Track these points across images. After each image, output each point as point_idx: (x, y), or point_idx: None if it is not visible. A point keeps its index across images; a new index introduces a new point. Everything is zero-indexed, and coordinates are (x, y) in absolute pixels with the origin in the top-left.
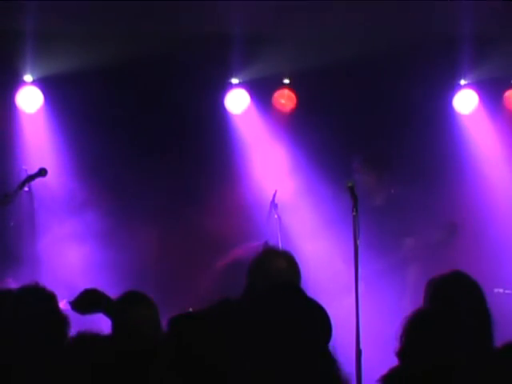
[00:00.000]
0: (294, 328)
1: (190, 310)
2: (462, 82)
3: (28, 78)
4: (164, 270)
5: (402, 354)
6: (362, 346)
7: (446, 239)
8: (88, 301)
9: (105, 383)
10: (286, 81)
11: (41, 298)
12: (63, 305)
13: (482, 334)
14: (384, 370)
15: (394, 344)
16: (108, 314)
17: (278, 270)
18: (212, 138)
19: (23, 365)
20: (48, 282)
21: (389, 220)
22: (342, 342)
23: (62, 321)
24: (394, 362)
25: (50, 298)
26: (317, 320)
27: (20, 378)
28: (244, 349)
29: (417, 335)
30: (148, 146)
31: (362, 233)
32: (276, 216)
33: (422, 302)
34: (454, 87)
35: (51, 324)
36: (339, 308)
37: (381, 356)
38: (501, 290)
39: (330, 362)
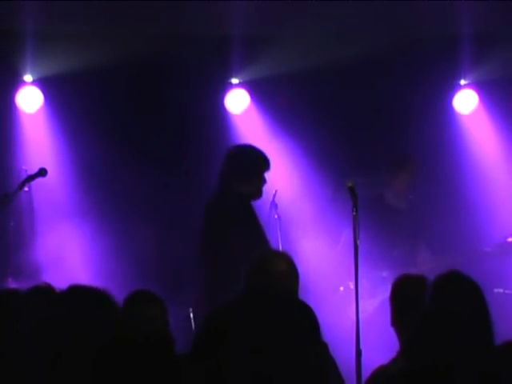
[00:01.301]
0: (286, 331)
1: (190, 309)
2: (462, 82)
3: (28, 77)
4: (167, 269)
5: (405, 352)
6: (362, 346)
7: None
8: None
9: (107, 379)
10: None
11: (51, 299)
12: None
13: (483, 334)
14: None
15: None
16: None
17: (277, 272)
18: (212, 138)
19: (31, 366)
20: (48, 281)
21: (414, 223)
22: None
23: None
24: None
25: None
26: (305, 321)
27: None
28: (241, 350)
29: (419, 334)
30: (148, 146)
31: (386, 235)
32: (276, 216)
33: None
34: (454, 87)
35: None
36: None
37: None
38: (501, 290)
39: (325, 361)
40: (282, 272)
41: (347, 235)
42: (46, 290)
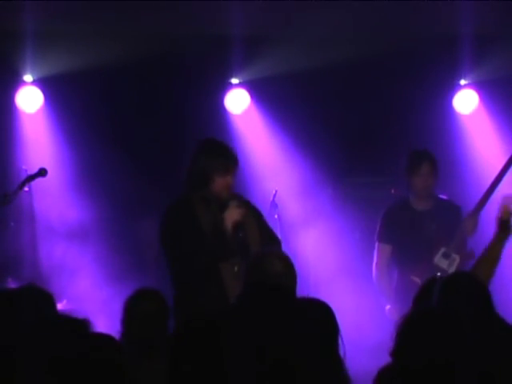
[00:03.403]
0: (293, 329)
1: None
2: (462, 82)
3: (28, 77)
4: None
5: (396, 353)
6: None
7: None
8: None
9: (108, 378)
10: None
11: (37, 298)
12: (63, 305)
13: (485, 336)
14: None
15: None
16: None
17: (274, 273)
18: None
19: (23, 364)
20: (48, 281)
21: (440, 223)
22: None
23: (60, 320)
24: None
25: (47, 298)
26: (321, 321)
27: (21, 376)
28: (245, 351)
29: (410, 334)
30: (148, 146)
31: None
32: (276, 216)
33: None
34: (454, 87)
35: (47, 323)
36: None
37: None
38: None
39: (335, 362)
40: (278, 272)
41: (380, 249)
42: (31, 290)
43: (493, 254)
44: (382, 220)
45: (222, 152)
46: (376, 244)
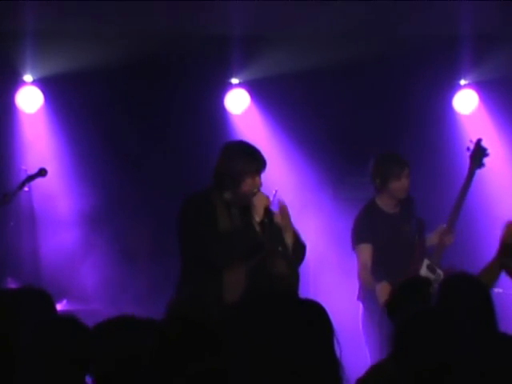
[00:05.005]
0: (291, 331)
1: None
2: (462, 81)
3: (28, 78)
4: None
5: (393, 354)
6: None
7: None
8: None
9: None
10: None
11: (36, 299)
12: (63, 305)
13: (485, 337)
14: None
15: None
16: None
17: (278, 273)
18: (212, 138)
19: (24, 365)
20: (48, 281)
21: (410, 226)
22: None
23: (60, 322)
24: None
25: (45, 299)
26: (315, 322)
27: (20, 376)
28: (244, 352)
29: (408, 336)
30: (147, 146)
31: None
32: None
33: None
34: (454, 87)
35: (46, 325)
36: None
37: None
38: (500, 290)
39: (331, 364)
40: (281, 273)
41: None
42: (30, 291)
43: (489, 275)
44: (357, 222)
45: (252, 153)
46: (356, 247)
